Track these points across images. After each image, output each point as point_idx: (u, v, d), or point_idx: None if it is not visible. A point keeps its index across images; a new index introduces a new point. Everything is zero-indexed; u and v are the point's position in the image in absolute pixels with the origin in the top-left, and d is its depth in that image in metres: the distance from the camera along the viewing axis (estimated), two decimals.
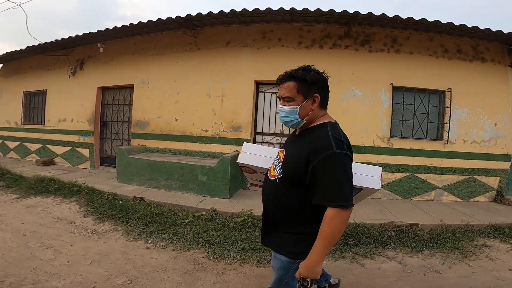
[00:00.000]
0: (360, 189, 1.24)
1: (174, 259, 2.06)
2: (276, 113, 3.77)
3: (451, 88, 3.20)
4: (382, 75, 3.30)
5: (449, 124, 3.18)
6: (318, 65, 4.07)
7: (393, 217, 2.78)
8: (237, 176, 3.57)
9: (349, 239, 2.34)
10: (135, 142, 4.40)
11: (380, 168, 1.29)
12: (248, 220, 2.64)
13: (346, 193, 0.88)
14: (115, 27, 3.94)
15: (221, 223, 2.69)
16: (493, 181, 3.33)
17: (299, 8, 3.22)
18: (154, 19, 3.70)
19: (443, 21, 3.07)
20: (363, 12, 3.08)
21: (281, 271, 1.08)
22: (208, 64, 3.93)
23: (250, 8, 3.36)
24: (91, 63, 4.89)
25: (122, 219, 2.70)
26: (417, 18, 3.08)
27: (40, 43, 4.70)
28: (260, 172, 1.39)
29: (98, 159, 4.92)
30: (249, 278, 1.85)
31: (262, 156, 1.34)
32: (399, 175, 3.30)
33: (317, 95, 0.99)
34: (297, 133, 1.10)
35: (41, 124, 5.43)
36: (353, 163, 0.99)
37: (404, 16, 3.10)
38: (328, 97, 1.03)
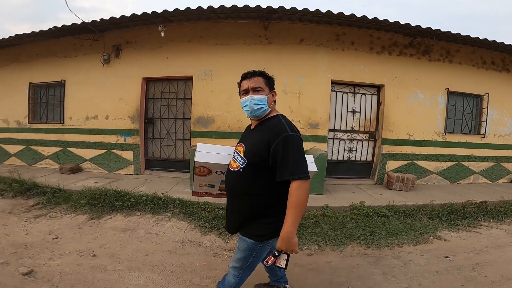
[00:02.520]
0: None
1: (341, 257, 2.17)
2: (348, 111, 4.11)
3: (488, 93, 4.06)
4: (439, 81, 3.95)
5: (486, 122, 4.06)
6: (389, 70, 4.87)
7: (462, 197, 3.40)
8: None
9: (452, 215, 2.87)
10: (195, 141, 4.08)
11: (312, 155, 1.56)
12: (368, 211, 2.92)
13: (303, 167, 1.04)
14: (177, 9, 3.56)
15: (341, 217, 2.88)
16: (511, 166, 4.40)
17: (370, 17, 3.54)
18: (228, 6, 3.49)
19: (481, 37, 3.86)
20: (424, 26, 3.64)
21: (247, 252, 1.19)
22: (282, 60, 3.95)
23: (323, 10, 3.46)
24: (131, 50, 4.28)
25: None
26: (463, 34, 3.80)
27: (51, 26, 3.96)
28: (216, 172, 1.43)
29: (143, 163, 4.44)
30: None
31: (219, 154, 1.40)
32: (449, 164, 4.05)
33: (275, 91, 1.24)
34: (252, 127, 1.28)
35: (60, 123, 4.57)
36: None
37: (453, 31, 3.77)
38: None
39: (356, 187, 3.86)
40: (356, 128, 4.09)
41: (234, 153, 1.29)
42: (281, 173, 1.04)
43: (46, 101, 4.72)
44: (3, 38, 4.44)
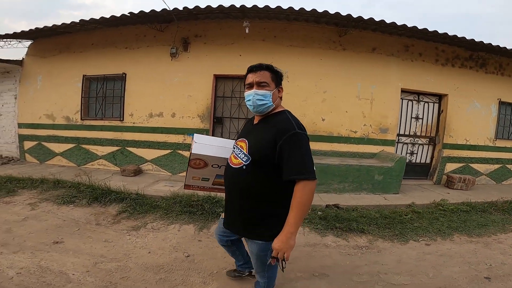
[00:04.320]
0: None
1: (456, 245, 2.46)
2: (412, 117, 4.41)
3: None
4: (492, 92, 4.39)
5: None
6: (452, 80, 5.43)
7: None
8: None
9: None
10: None
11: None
12: (452, 207, 3.23)
13: (310, 166, 1.01)
14: (255, 5, 3.53)
15: (430, 213, 3.17)
16: None
17: (432, 29, 3.79)
18: (308, 9, 3.59)
19: None
20: (485, 41, 4.02)
21: (261, 253, 1.16)
22: (355, 67, 4.12)
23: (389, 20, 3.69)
24: (201, 44, 4.15)
25: (345, 229, 2.65)
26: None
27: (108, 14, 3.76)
28: (212, 165, 1.38)
29: None
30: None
31: (217, 146, 1.36)
32: (496, 166, 4.53)
33: (282, 87, 1.19)
34: (255, 121, 1.23)
35: (119, 120, 4.32)
36: None
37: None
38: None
39: (420, 187, 4.19)
40: (418, 133, 4.41)
41: (234, 148, 1.23)
42: (288, 172, 1.01)
43: (103, 96, 4.41)
44: (53, 25, 4.08)
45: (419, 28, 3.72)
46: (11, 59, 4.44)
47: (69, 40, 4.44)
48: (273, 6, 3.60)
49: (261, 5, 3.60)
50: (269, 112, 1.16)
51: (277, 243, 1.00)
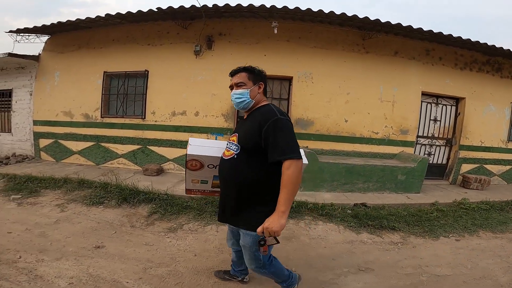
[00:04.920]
0: None
1: (484, 240, 2.62)
2: (431, 119, 4.52)
3: None
4: (506, 96, 4.55)
5: None
6: (469, 84, 5.66)
7: None
8: None
9: None
10: None
11: (303, 149, 1.56)
12: (473, 206, 3.37)
13: (294, 147, 1.08)
14: (285, 6, 3.54)
15: (453, 211, 3.28)
16: None
17: (455, 35, 3.92)
18: (338, 12, 3.64)
19: None
20: (505, 46, 4.16)
21: (254, 246, 1.19)
22: (378, 70, 4.20)
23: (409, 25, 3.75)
24: (225, 43, 4.13)
25: (377, 226, 2.74)
26: None
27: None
28: (208, 166, 1.43)
29: None
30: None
31: (211, 147, 1.41)
32: (508, 167, 4.70)
33: (262, 83, 1.28)
34: (245, 117, 1.33)
35: (140, 118, 4.26)
36: None
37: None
38: (267, 89, 1.35)
39: (438, 186, 4.32)
40: (436, 135, 4.54)
41: (227, 144, 1.31)
42: (272, 154, 1.08)
43: (124, 93, 4.34)
44: (77, 20, 3.96)
45: (444, 34, 3.83)
46: (27, 54, 4.30)
47: (88, 36, 4.34)
48: (293, 7, 3.60)
49: (290, 7, 3.62)
50: (253, 107, 1.26)
51: (267, 222, 1.05)
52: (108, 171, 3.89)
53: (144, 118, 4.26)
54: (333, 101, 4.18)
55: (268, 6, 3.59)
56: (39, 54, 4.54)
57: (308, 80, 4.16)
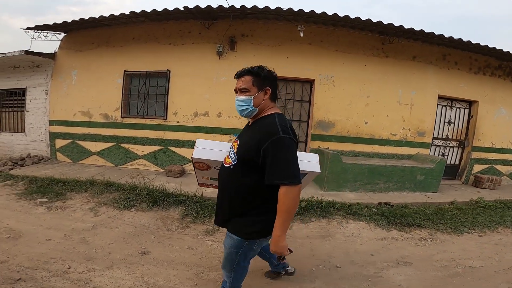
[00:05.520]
0: (305, 173, 1.43)
1: (504, 236, 2.77)
2: (445, 122, 4.68)
3: None
4: None
5: None
6: (483, 88, 5.94)
7: None
8: None
9: None
10: (315, 145, 4.26)
11: (317, 154, 1.55)
12: (490, 204, 3.54)
13: (293, 171, 1.01)
14: (313, 11, 3.62)
15: (471, 209, 3.40)
16: None
17: (473, 41, 4.09)
18: (353, 17, 3.70)
19: None
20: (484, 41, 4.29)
21: (232, 249, 1.19)
22: (397, 74, 4.32)
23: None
24: (247, 44, 4.14)
25: (404, 223, 2.87)
26: None
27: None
28: (215, 167, 1.42)
29: None
30: None
31: (217, 150, 1.40)
32: None
33: (269, 88, 1.15)
34: (250, 124, 1.25)
35: (162, 119, 4.23)
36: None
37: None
38: (277, 92, 1.22)
39: (452, 186, 4.48)
40: (450, 137, 4.70)
41: (230, 148, 1.28)
42: (270, 176, 1.02)
43: (145, 93, 4.28)
44: (100, 16, 3.84)
45: (464, 40, 3.97)
46: (43, 52, 4.18)
47: (107, 34, 4.25)
48: (307, 10, 3.65)
49: (317, 11, 3.65)
50: (257, 115, 1.18)
51: (271, 247, 1.07)
52: (135, 173, 3.85)
53: (166, 118, 4.23)
54: (353, 104, 4.27)
55: (286, 8, 3.62)
56: (55, 52, 4.42)
57: (330, 83, 4.22)
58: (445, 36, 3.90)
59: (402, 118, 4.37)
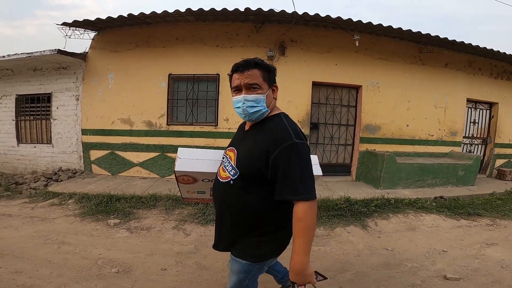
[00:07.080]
0: None
1: None
2: (471, 122, 5.11)
3: None
4: None
5: None
6: (501, 91, 6.88)
7: None
8: None
9: None
10: (363, 147, 4.41)
11: (316, 156, 1.43)
12: None
13: (311, 184, 0.86)
14: (370, 22, 3.78)
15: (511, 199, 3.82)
16: None
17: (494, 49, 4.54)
18: (395, 27, 3.91)
19: None
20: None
21: (242, 274, 1.01)
22: (432, 79, 4.63)
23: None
24: (297, 50, 4.16)
25: (465, 213, 3.16)
26: None
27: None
28: (202, 180, 1.26)
29: None
30: None
31: (203, 160, 1.21)
32: None
33: (276, 85, 0.99)
34: (247, 127, 1.04)
35: (213, 125, 4.03)
36: None
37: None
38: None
39: (480, 179, 4.87)
40: (475, 135, 5.17)
41: (223, 158, 1.07)
42: (282, 191, 0.85)
43: (193, 98, 4.03)
44: (140, 13, 3.47)
45: (487, 48, 4.38)
46: (75, 52, 3.72)
47: (147, 33, 3.91)
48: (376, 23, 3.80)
49: (355, 19, 3.75)
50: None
51: (294, 277, 0.85)
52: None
53: (217, 125, 4.04)
54: (397, 108, 4.49)
55: (335, 17, 3.70)
56: (85, 52, 3.96)
57: (375, 89, 4.39)
58: (472, 44, 4.26)
59: (438, 120, 4.69)
